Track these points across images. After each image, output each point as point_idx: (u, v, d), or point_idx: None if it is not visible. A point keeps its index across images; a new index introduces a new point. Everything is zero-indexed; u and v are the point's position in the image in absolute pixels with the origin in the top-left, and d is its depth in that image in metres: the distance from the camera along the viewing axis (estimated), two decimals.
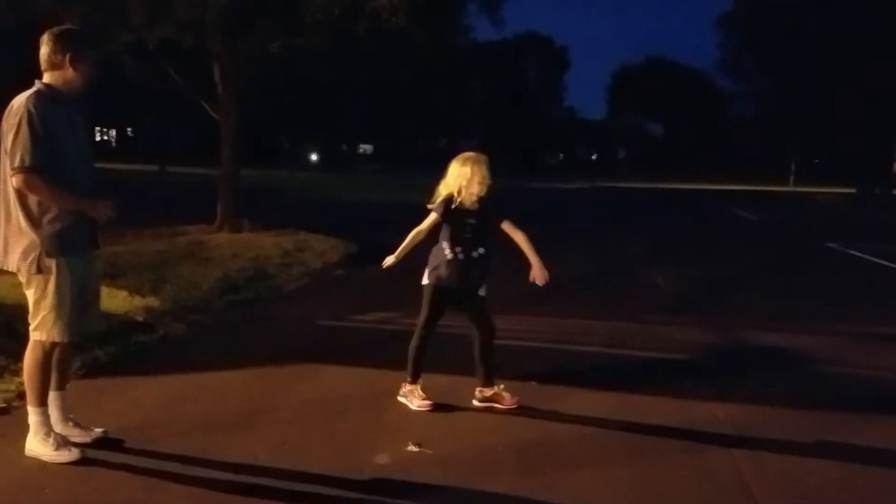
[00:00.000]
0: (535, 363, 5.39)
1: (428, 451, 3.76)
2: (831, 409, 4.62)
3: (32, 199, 3.36)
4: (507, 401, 4.41)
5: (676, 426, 4.19)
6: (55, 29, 3.52)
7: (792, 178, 44.38)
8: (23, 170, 3.27)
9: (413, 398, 4.40)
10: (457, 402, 4.48)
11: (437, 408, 4.37)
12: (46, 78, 3.47)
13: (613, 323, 6.86)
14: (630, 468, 3.65)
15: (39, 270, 3.37)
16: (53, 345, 3.49)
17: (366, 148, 59.70)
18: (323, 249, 10.61)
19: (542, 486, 3.43)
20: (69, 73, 3.45)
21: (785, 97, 42.42)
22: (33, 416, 3.50)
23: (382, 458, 3.66)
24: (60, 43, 3.44)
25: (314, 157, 52.59)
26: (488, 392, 4.46)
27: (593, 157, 67.44)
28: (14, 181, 3.30)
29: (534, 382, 4.89)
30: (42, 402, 3.51)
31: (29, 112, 3.28)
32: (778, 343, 6.34)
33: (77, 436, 3.63)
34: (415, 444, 3.79)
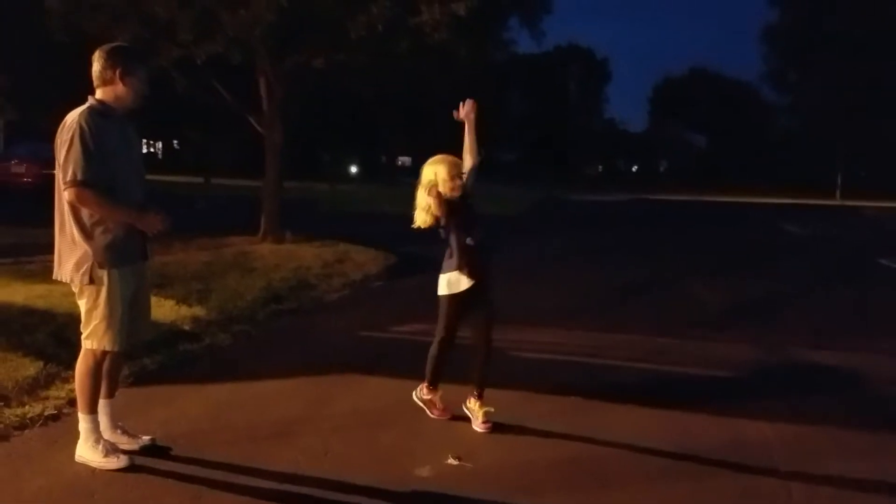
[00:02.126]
0: (577, 377, 5.35)
1: (468, 464, 3.75)
2: (884, 430, 4.49)
3: (85, 212, 3.45)
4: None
5: (724, 445, 4.11)
6: (106, 46, 3.62)
7: (839, 191, 43.38)
8: (75, 183, 3.36)
9: (432, 405, 4.44)
10: (497, 415, 4.45)
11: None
12: (99, 94, 3.57)
13: (658, 338, 6.76)
14: (676, 488, 3.59)
15: (91, 281, 3.45)
16: (104, 353, 3.57)
17: (404, 160, 60.07)
18: (363, 261, 10.68)
19: None
20: (120, 88, 3.55)
21: (831, 109, 41.60)
22: (83, 423, 3.58)
23: (423, 471, 3.67)
24: (111, 59, 3.53)
25: (354, 169, 53.04)
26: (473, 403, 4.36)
27: (633, 169, 66.80)
28: (66, 195, 3.40)
29: (575, 397, 4.84)
30: (92, 410, 3.59)
31: (81, 127, 3.37)
32: (829, 361, 6.18)
33: (125, 443, 3.71)
34: (455, 458, 3.79)
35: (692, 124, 62.05)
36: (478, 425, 4.25)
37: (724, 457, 3.96)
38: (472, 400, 4.35)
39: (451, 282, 4.31)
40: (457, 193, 4.27)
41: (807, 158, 48.30)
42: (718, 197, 37.65)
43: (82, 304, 3.53)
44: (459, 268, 4.26)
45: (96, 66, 3.55)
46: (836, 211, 31.68)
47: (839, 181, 43.95)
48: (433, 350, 4.44)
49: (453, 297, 4.31)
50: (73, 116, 3.44)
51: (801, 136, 49.92)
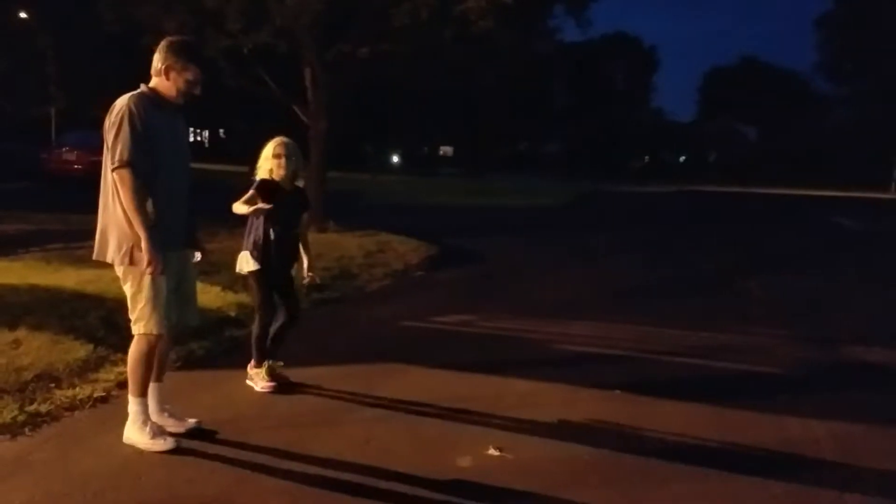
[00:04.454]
0: (620, 371, 5.28)
1: (509, 456, 3.72)
2: None
3: None
4: (263, 385, 4.57)
5: (772, 442, 4.01)
6: (170, 38, 3.70)
7: (894, 184, 42.04)
8: (121, 164, 3.41)
9: (258, 380, 4.59)
10: (538, 408, 4.42)
11: (520, 413, 4.32)
12: (152, 82, 3.63)
13: (706, 333, 6.62)
14: (721, 485, 3.51)
15: (132, 263, 3.50)
16: (157, 338, 3.62)
17: (446, 150, 59.91)
18: (404, 251, 10.70)
19: (627, 500, 3.34)
20: (163, 81, 3.59)
21: (887, 99, 40.31)
22: (133, 406, 3.65)
23: (464, 461, 3.65)
24: (163, 52, 3.59)
25: (395, 159, 53.22)
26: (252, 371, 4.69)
27: (681, 160, 65.61)
28: (114, 176, 3.45)
29: (618, 391, 4.78)
30: (142, 393, 3.65)
31: (129, 110, 3.44)
32: (882, 359, 6.00)
33: (171, 426, 3.77)
34: (496, 449, 3.77)
35: (742, 115, 60.58)
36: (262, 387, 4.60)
37: (772, 454, 3.87)
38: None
39: (243, 260, 4.62)
40: (282, 173, 4.54)
41: (861, 150, 46.85)
42: (769, 189, 36.82)
43: (127, 289, 3.59)
44: (249, 251, 4.57)
45: (155, 56, 3.62)
46: (891, 205, 30.72)
47: (894, 174, 42.60)
48: (255, 329, 4.70)
49: (252, 274, 4.59)
50: (122, 100, 3.50)
51: (856, 128, 48.46)
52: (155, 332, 3.59)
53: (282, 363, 4.75)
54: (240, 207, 4.42)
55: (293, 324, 4.79)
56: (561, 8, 14.83)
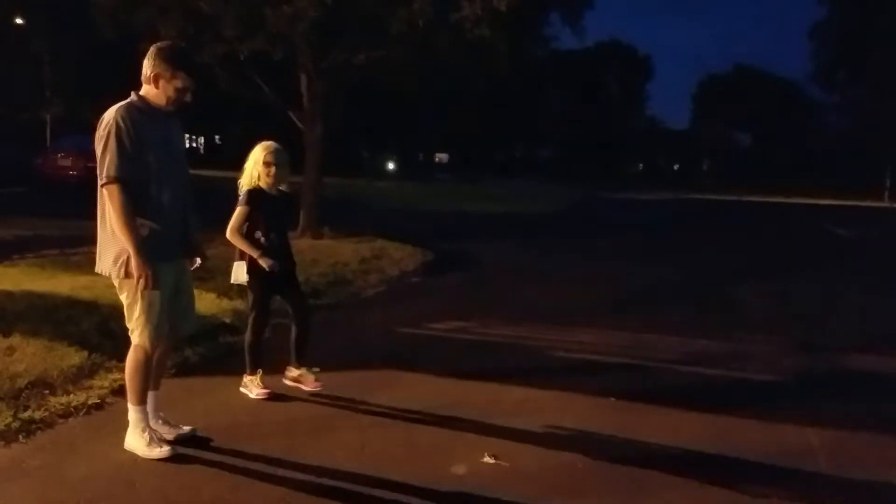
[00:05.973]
0: (615, 379, 5.28)
1: (504, 463, 3.72)
2: None
3: None
4: (310, 384, 4.64)
5: (766, 451, 4.02)
6: (159, 44, 3.64)
7: (887, 193, 42.17)
8: (108, 179, 3.40)
9: (252, 387, 4.59)
10: (534, 415, 4.42)
11: (515, 421, 4.32)
12: (142, 90, 3.59)
13: (699, 340, 6.65)
14: (715, 494, 3.52)
15: (127, 275, 3.48)
16: (154, 347, 3.61)
17: (441, 157, 60.03)
18: (400, 257, 10.70)
19: None
20: (152, 89, 3.55)
21: (881, 107, 40.51)
22: (133, 414, 3.64)
23: (459, 469, 3.65)
24: (152, 59, 3.54)
25: (391, 165, 53.31)
26: (295, 373, 4.76)
27: (675, 168, 65.85)
28: (103, 191, 3.45)
29: (613, 399, 4.78)
30: (141, 401, 3.64)
31: (117, 124, 3.40)
32: (876, 368, 6.02)
33: (166, 433, 3.76)
34: (491, 456, 3.77)
35: (736, 123, 60.82)
36: (310, 385, 4.68)
37: (766, 463, 3.88)
38: (293, 369, 4.77)
39: (238, 270, 4.65)
40: (270, 181, 4.59)
41: (854, 158, 47.04)
42: (763, 197, 36.93)
43: (123, 299, 3.58)
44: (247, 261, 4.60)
45: (144, 63, 3.57)
46: (885, 213, 30.85)
47: (888, 182, 42.74)
48: (247, 335, 4.76)
49: (251, 280, 4.63)
50: (110, 113, 3.46)
51: (849, 136, 48.69)
52: (149, 343, 3.58)
53: (317, 369, 4.79)
54: (239, 242, 4.52)
55: (307, 326, 4.86)
56: (556, 16, 14.91)
